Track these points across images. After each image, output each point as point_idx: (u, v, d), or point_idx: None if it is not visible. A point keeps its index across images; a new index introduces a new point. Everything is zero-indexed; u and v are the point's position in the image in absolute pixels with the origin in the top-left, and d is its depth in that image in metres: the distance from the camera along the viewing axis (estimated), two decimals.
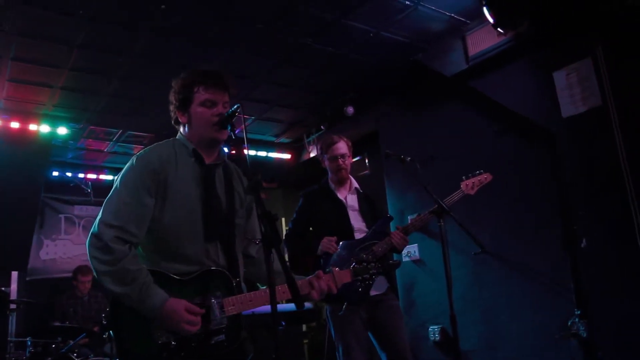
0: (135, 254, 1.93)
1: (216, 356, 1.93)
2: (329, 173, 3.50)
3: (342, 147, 3.43)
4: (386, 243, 3.14)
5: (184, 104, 2.11)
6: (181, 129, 2.19)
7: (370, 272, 2.27)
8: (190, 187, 2.03)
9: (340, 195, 3.42)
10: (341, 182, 3.45)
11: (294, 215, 3.50)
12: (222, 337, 1.92)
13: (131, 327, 1.87)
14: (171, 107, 2.18)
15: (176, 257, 1.97)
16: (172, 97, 2.17)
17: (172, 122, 2.22)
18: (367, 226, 3.34)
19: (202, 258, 1.99)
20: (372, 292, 3.16)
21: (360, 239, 3.25)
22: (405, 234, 3.18)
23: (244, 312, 2.01)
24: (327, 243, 3.17)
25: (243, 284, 2.09)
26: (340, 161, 3.39)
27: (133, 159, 2.06)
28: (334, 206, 3.38)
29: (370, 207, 3.47)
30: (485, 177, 3.31)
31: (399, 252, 3.27)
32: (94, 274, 1.90)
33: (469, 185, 3.27)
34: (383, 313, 3.21)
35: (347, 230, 3.29)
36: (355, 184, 3.51)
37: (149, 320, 1.86)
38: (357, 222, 3.35)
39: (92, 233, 1.91)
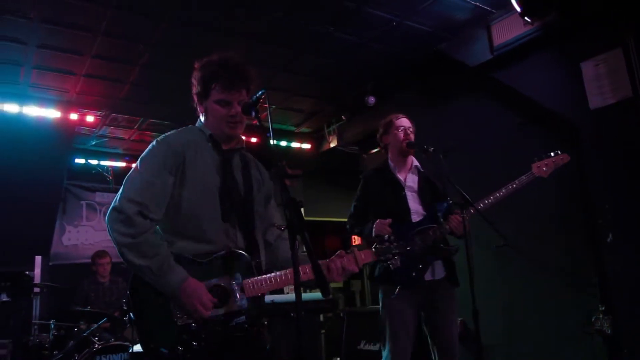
0: (157, 231, 1.97)
1: (237, 339, 1.93)
2: (390, 152, 3.40)
3: (407, 121, 3.38)
4: (443, 227, 3.06)
5: (202, 96, 2.12)
6: (201, 117, 2.20)
7: (393, 251, 2.15)
8: (208, 169, 2.05)
9: (400, 176, 3.31)
10: (406, 155, 3.33)
11: (355, 197, 3.45)
12: (242, 318, 1.91)
13: (151, 308, 1.90)
14: (193, 90, 2.18)
15: (195, 237, 1.97)
16: (193, 82, 2.16)
17: (195, 105, 2.21)
18: (425, 209, 3.22)
19: (222, 237, 1.99)
20: (427, 277, 3.06)
21: (416, 221, 3.15)
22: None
23: (266, 299, 2.01)
24: (380, 225, 3.05)
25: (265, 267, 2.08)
26: (408, 131, 3.31)
27: (154, 142, 2.09)
28: (391, 187, 3.28)
29: (431, 188, 3.33)
30: (561, 157, 3.10)
31: (458, 236, 3.11)
32: (115, 246, 1.89)
33: (541, 167, 3.10)
34: (439, 303, 3.10)
35: (403, 212, 3.17)
36: (416, 163, 3.39)
37: (168, 301, 1.88)
38: (415, 204, 3.23)
39: (112, 208, 1.92)
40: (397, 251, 2.16)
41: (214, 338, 1.88)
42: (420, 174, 3.36)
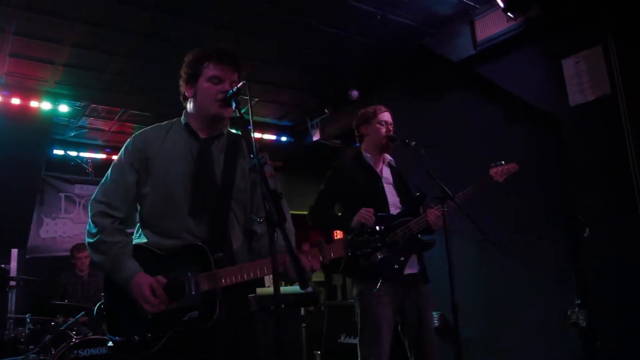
0: (118, 228, 2.03)
1: (192, 333, 1.91)
2: (366, 143, 3.37)
3: (389, 116, 3.36)
4: (421, 221, 3.05)
5: (192, 78, 2.10)
6: (188, 105, 2.17)
7: (372, 245, 1.95)
8: (177, 161, 2.05)
9: (376, 168, 3.30)
10: (383, 150, 3.32)
11: (322, 187, 3.33)
12: (195, 313, 1.89)
13: (117, 297, 1.95)
14: (180, 82, 2.17)
15: (159, 232, 2.02)
16: (182, 71, 2.16)
17: (181, 97, 2.20)
18: (401, 202, 3.22)
19: (182, 233, 1.98)
20: (407, 271, 3.05)
21: (396, 214, 3.12)
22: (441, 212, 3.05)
23: None
24: (366, 214, 2.95)
25: (237, 259, 2.03)
26: (389, 127, 3.30)
27: (128, 139, 2.15)
28: (369, 177, 3.23)
29: (403, 183, 3.35)
30: (512, 166, 3.31)
31: (432, 232, 3.13)
32: None
33: (497, 172, 3.26)
34: (417, 298, 3.08)
35: (382, 203, 3.13)
36: (389, 158, 3.39)
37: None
38: (392, 197, 3.22)
39: None
40: (378, 244, 1.96)
41: (167, 331, 1.89)
42: (392, 169, 3.37)
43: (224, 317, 1.91)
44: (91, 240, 2.00)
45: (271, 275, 1.63)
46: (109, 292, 2.02)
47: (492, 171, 3.27)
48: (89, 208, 2.06)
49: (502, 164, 3.29)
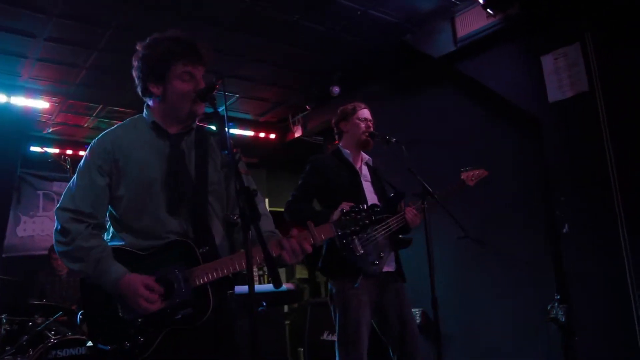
0: (93, 233, 1.94)
1: (186, 331, 1.87)
2: (345, 140, 3.34)
3: (369, 113, 3.35)
4: (400, 218, 3.05)
5: (159, 77, 1.99)
6: (149, 102, 2.07)
7: (360, 223, 1.97)
8: (149, 160, 1.97)
9: (355, 165, 3.27)
10: (363, 146, 3.30)
11: (300, 182, 3.26)
12: (189, 310, 1.85)
13: (98, 304, 1.88)
14: (137, 74, 2.04)
15: (138, 232, 1.94)
16: (139, 64, 2.02)
17: (139, 91, 2.07)
18: (379, 199, 3.20)
19: (162, 232, 1.92)
20: (384, 269, 3.02)
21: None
22: (419, 211, 3.08)
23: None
24: (346, 207, 2.96)
25: (220, 252, 1.98)
26: (369, 123, 3.29)
27: (90, 144, 2.04)
28: (348, 173, 3.21)
29: (380, 182, 3.34)
30: (481, 172, 3.36)
31: (409, 230, 3.13)
32: None
33: (469, 176, 3.31)
34: (396, 298, 3.05)
35: (361, 200, 3.10)
36: (367, 157, 3.38)
37: (114, 298, 1.85)
38: (370, 194, 3.20)
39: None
40: (366, 222, 1.98)
41: (160, 332, 1.83)
42: (369, 167, 3.36)
43: (215, 313, 1.87)
44: (65, 249, 1.89)
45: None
46: (89, 298, 1.92)
47: (464, 175, 3.32)
48: (56, 217, 1.93)
49: (472, 169, 3.34)
